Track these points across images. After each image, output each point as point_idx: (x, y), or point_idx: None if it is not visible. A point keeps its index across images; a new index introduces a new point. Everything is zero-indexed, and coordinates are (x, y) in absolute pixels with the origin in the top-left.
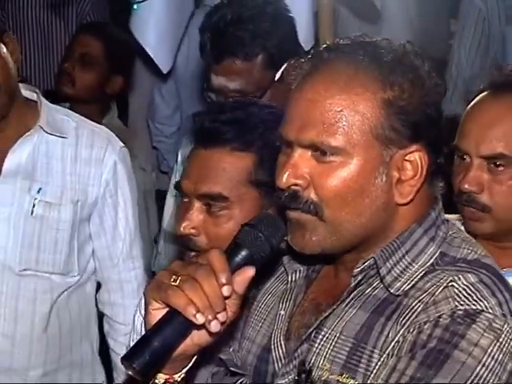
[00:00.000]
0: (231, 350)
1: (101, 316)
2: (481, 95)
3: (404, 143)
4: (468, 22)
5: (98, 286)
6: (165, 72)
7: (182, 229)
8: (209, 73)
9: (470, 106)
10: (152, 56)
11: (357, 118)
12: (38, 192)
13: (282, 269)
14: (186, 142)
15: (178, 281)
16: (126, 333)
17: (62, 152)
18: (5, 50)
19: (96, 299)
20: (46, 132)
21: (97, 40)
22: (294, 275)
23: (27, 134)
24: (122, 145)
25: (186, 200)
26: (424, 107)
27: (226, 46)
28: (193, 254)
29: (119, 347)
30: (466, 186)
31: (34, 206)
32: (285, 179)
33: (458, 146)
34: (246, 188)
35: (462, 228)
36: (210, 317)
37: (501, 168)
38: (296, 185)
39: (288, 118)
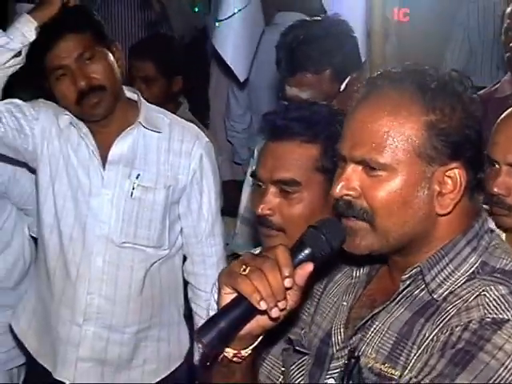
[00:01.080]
0: (302, 332)
1: (186, 284)
2: (509, 110)
3: (444, 161)
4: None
5: (184, 258)
6: (241, 80)
7: (260, 210)
8: (283, 84)
9: (499, 119)
10: (231, 66)
11: (401, 138)
12: (137, 178)
13: (348, 266)
14: (260, 139)
15: (247, 270)
16: (206, 299)
17: (157, 144)
18: (112, 57)
19: (182, 270)
20: (144, 127)
21: (149, 61)
22: (357, 272)
23: (129, 128)
24: (208, 140)
25: (262, 187)
26: (464, 129)
27: (298, 62)
28: (268, 231)
29: (200, 311)
30: (496, 190)
31: (133, 189)
32: (338, 190)
33: (488, 155)
34: (314, 174)
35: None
36: (271, 304)
37: None
38: (348, 195)
39: (343, 136)
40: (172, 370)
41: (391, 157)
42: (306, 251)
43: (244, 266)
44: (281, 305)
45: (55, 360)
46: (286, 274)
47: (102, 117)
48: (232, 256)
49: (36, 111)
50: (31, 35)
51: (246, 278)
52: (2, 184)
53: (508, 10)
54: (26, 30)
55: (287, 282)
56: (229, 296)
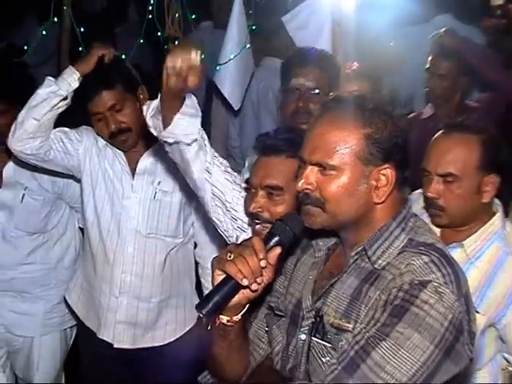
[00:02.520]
0: (280, 300)
1: (197, 264)
2: (439, 133)
3: (379, 163)
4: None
5: (195, 244)
6: (236, 109)
7: (251, 208)
8: (286, 85)
9: (432, 140)
10: (228, 99)
11: (346, 146)
12: (158, 184)
13: (312, 249)
14: (251, 154)
15: (232, 256)
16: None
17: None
18: (137, 103)
19: (194, 253)
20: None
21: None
22: (318, 253)
23: (150, 149)
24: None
25: (253, 191)
26: (393, 139)
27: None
28: (259, 224)
29: (208, 284)
30: (429, 194)
31: (155, 193)
32: (300, 185)
33: (424, 168)
34: (293, 181)
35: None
36: (251, 280)
37: (451, 182)
38: (307, 189)
39: (304, 145)
40: (186, 330)
41: (339, 160)
42: (275, 239)
43: (229, 253)
44: (259, 280)
45: (98, 323)
46: (261, 257)
47: (129, 148)
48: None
49: (80, 135)
50: (75, 84)
51: (232, 262)
52: (59, 189)
53: (430, 57)
54: (71, 80)
55: (262, 263)
56: (220, 277)
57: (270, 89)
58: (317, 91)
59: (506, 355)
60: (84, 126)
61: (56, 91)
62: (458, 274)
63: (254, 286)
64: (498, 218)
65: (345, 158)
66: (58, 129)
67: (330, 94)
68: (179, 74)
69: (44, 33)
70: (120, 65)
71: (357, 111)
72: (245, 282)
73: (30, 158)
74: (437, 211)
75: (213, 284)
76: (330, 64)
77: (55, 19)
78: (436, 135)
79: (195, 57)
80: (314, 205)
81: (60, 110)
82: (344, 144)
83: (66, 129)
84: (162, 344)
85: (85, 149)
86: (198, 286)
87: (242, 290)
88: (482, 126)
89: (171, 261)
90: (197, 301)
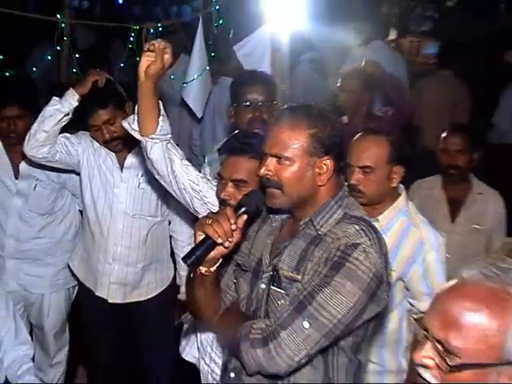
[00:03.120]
0: (245, 258)
1: (171, 237)
2: (359, 134)
3: (321, 155)
4: None
5: (169, 222)
6: (199, 116)
7: (222, 195)
8: (240, 99)
9: (352, 140)
10: (193, 109)
11: (297, 142)
12: (141, 176)
13: (270, 220)
14: (210, 153)
15: (210, 221)
16: (183, 246)
17: None
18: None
19: (168, 229)
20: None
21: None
22: (274, 223)
23: (134, 149)
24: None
25: (223, 182)
26: (332, 137)
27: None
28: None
29: (178, 252)
30: (352, 182)
31: (139, 183)
32: (262, 171)
33: (347, 162)
34: (255, 177)
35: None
36: (224, 239)
37: (368, 172)
38: (268, 175)
39: (266, 141)
40: (164, 287)
41: (291, 153)
42: (243, 209)
43: (208, 219)
44: (230, 239)
45: (95, 284)
46: (232, 222)
47: (119, 150)
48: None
49: (78, 139)
50: (75, 103)
51: (210, 226)
52: (63, 180)
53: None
54: (72, 100)
55: (233, 226)
56: (200, 236)
57: (225, 101)
58: (265, 103)
59: (410, 300)
60: (82, 132)
61: (60, 109)
62: (380, 239)
63: (226, 244)
64: (402, 199)
65: (295, 152)
66: (61, 135)
67: (274, 102)
68: (156, 55)
69: (49, 58)
70: (112, 87)
71: (305, 116)
72: (220, 241)
73: (41, 160)
74: (358, 194)
75: (195, 242)
76: (271, 82)
77: (58, 47)
78: (356, 136)
79: (166, 43)
80: (274, 187)
81: (64, 123)
82: (295, 141)
83: (68, 134)
84: (145, 299)
85: (83, 149)
86: (172, 254)
87: (217, 247)
88: (389, 130)
89: (152, 235)
90: (171, 266)
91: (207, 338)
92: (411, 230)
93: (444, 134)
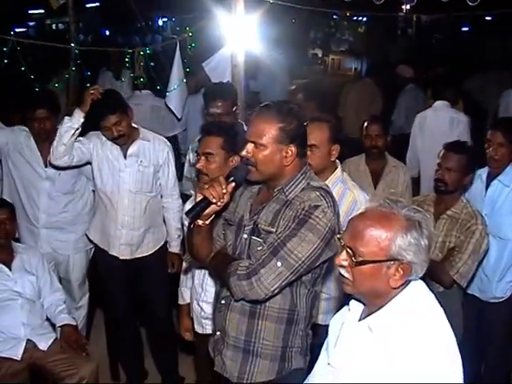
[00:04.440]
0: (231, 216)
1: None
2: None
3: (287, 144)
4: None
5: (161, 196)
6: (179, 117)
7: (198, 166)
8: (207, 109)
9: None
10: (174, 111)
11: (269, 132)
12: (141, 162)
13: (250, 187)
14: (193, 143)
15: (207, 186)
16: (172, 213)
17: (148, 146)
18: (129, 118)
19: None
20: (142, 140)
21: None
22: (254, 189)
23: (135, 141)
24: (169, 144)
25: (198, 157)
26: (297, 129)
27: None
28: (205, 177)
29: (171, 218)
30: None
31: (139, 167)
32: (243, 153)
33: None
34: (220, 150)
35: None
36: (217, 199)
37: (314, 150)
38: (247, 156)
39: (247, 131)
40: (160, 245)
41: (265, 140)
42: (232, 178)
43: (205, 184)
44: (222, 200)
45: (108, 245)
46: (224, 187)
47: (123, 144)
48: (183, 194)
49: (88, 138)
50: (82, 119)
51: (207, 189)
52: (81, 168)
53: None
54: (79, 117)
55: (224, 190)
56: (200, 197)
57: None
58: (223, 113)
59: None
60: (92, 132)
61: (72, 125)
62: (334, 202)
63: (218, 203)
64: (338, 170)
65: (268, 140)
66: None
67: (235, 107)
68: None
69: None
70: (118, 97)
71: (276, 112)
72: (214, 201)
73: (64, 165)
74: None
75: (195, 202)
76: (231, 91)
77: (73, 68)
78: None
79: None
80: (252, 165)
81: (76, 135)
82: (268, 131)
83: (80, 137)
84: (146, 254)
85: (93, 145)
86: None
87: (212, 206)
88: (329, 118)
89: (149, 206)
90: (164, 229)
91: (199, 283)
92: (347, 192)
93: (366, 124)
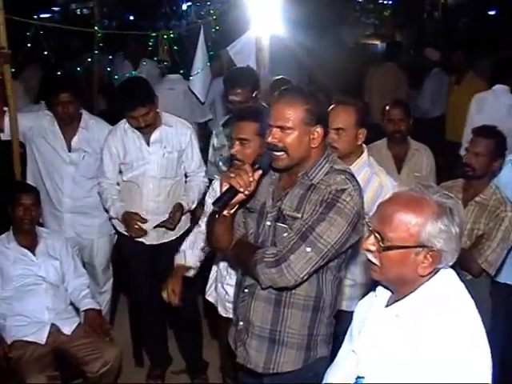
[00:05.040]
0: (251, 203)
1: None
2: (332, 104)
3: (314, 125)
4: None
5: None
6: (203, 101)
7: (232, 152)
8: (226, 97)
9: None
10: (198, 95)
11: (296, 115)
12: (164, 148)
13: (270, 173)
14: (217, 127)
15: (234, 174)
16: (198, 186)
17: (171, 131)
18: (155, 108)
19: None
20: (165, 125)
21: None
22: (274, 175)
23: (158, 127)
24: (191, 127)
25: (234, 143)
26: (322, 110)
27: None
28: (237, 162)
29: (193, 191)
30: (328, 140)
31: (164, 153)
32: (269, 139)
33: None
34: (256, 136)
35: None
36: (244, 188)
37: (341, 133)
38: (274, 141)
39: (271, 116)
40: (183, 231)
41: (292, 123)
42: (257, 165)
43: (232, 173)
44: (248, 189)
45: None
46: (250, 175)
47: (147, 132)
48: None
49: (110, 144)
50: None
51: (233, 178)
52: None
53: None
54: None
55: (251, 178)
56: (226, 186)
57: None
58: (243, 100)
59: None
60: (109, 138)
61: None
62: (359, 185)
63: (246, 192)
64: (365, 154)
65: (295, 122)
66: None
67: (255, 92)
68: None
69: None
70: (147, 86)
71: (300, 95)
72: (241, 190)
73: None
74: (332, 150)
75: (221, 191)
76: (250, 77)
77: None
78: (331, 106)
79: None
80: (280, 151)
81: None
82: (294, 114)
83: (108, 163)
84: (171, 239)
85: (116, 147)
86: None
87: (238, 195)
88: (355, 101)
89: (173, 191)
90: (188, 213)
91: (223, 266)
92: (373, 177)
93: (387, 108)
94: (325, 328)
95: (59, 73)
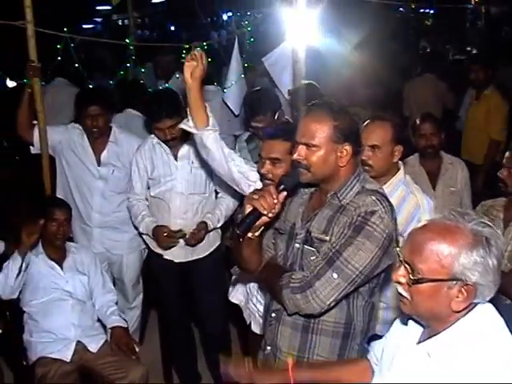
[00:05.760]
0: (281, 223)
1: None
2: (367, 120)
3: (341, 143)
4: None
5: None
6: (237, 114)
7: (262, 171)
8: (248, 121)
9: (363, 125)
10: (231, 108)
11: (323, 132)
12: (192, 163)
13: (300, 193)
14: (239, 142)
15: (257, 196)
16: (226, 204)
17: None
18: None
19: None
20: (193, 140)
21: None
22: (304, 196)
23: (186, 141)
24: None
25: (263, 161)
26: (351, 127)
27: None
28: (268, 181)
29: (217, 216)
30: (362, 158)
31: (191, 169)
32: (295, 156)
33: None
34: (287, 155)
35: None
36: (268, 211)
37: (375, 150)
38: (299, 159)
39: (297, 132)
40: (215, 247)
41: (318, 141)
42: (282, 186)
43: (255, 194)
44: (273, 211)
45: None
46: (274, 197)
47: (174, 146)
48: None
49: (143, 154)
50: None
51: (257, 200)
52: None
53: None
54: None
55: (275, 201)
56: (249, 208)
57: None
58: (265, 124)
59: None
60: (138, 156)
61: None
62: (391, 206)
63: (270, 215)
64: (401, 172)
65: (321, 140)
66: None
67: (277, 114)
68: (197, 61)
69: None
70: (177, 100)
71: (328, 111)
72: (265, 212)
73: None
74: (367, 168)
75: (243, 214)
76: (269, 102)
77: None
78: (366, 121)
79: (202, 52)
80: (304, 168)
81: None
82: (321, 130)
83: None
84: (200, 257)
85: (145, 163)
86: None
87: (263, 217)
88: (392, 116)
89: (202, 208)
90: (219, 230)
91: (254, 284)
92: (409, 196)
93: (418, 122)
94: (356, 355)
95: (90, 86)
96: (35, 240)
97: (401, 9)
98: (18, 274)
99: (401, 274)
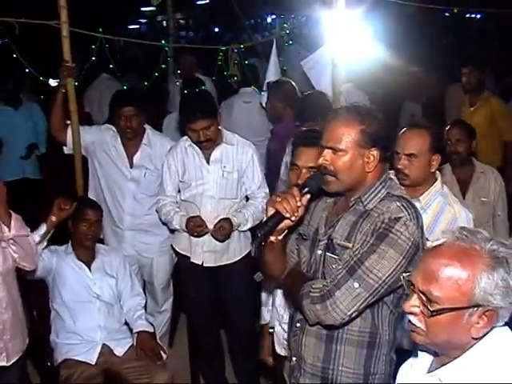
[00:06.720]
0: (305, 228)
1: None
2: (405, 128)
3: (369, 147)
4: None
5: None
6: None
7: (300, 181)
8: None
9: (401, 132)
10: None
11: (349, 136)
12: (224, 167)
13: (325, 198)
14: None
15: (280, 199)
16: (255, 207)
17: (231, 150)
18: (218, 122)
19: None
20: (226, 143)
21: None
22: (329, 200)
23: (218, 145)
24: (253, 146)
25: (298, 170)
26: (378, 132)
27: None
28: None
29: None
30: (399, 167)
31: (223, 172)
32: (320, 161)
33: (396, 150)
34: None
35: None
36: (291, 214)
37: (412, 159)
38: (325, 164)
39: (323, 136)
40: (246, 252)
41: (345, 145)
42: (306, 189)
43: (278, 197)
44: (296, 214)
45: (192, 252)
46: (298, 200)
47: (207, 148)
48: None
49: (174, 157)
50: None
51: (279, 202)
52: None
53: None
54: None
55: (298, 203)
56: (271, 211)
57: None
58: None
59: None
60: (170, 156)
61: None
62: (417, 214)
63: (292, 218)
64: (438, 182)
65: (348, 144)
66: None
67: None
68: None
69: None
70: (211, 100)
71: (356, 115)
72: (287, 215)
73: None
74: (403, 177)
75: (267, 216)
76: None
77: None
78: (403, 129)
79: None
80: (330, 174)
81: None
82: (348, 135)
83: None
84: (230, 262)
85: (176, 165)
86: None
87: (285, 221)
88: (430, 124)
89: (231, 211)
90: (249, 235)
91: (280, 303)
92: (447, 208)
93: (447, 128)
94: (384, 366)
95: (125, 87)
96: (65, 216)
97: (446, 14)
98: (38, 242)
99: (414, 304)
